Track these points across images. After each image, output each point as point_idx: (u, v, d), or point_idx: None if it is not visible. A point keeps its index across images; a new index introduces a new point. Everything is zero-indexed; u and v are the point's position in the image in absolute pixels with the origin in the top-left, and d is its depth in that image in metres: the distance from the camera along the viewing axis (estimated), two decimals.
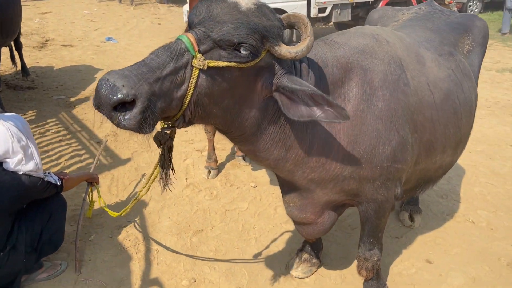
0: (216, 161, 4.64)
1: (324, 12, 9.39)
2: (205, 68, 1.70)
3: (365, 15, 9.85)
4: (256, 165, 4.78)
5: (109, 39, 10.79)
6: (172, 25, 13.25)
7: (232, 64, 1.73)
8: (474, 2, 15.54)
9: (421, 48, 2.63)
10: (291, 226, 3.69)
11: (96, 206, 3.62)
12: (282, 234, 3.64)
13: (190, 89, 1.71)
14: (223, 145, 5.21)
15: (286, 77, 1.88)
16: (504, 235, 3.61)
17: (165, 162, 1.97)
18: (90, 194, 3.58)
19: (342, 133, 2.16)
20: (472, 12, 15.02)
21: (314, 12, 9.32)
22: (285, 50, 1.80)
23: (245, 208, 4.02)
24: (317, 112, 1.85)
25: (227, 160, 4.94)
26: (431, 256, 3.37)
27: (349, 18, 9.76)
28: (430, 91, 2.48)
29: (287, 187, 2.50)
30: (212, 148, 4.60)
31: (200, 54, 1.70)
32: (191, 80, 1.71)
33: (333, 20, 9.65)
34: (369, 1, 9.88)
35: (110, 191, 4.25)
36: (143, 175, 4.52)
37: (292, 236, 3.60)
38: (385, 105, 2.19)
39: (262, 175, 4.60)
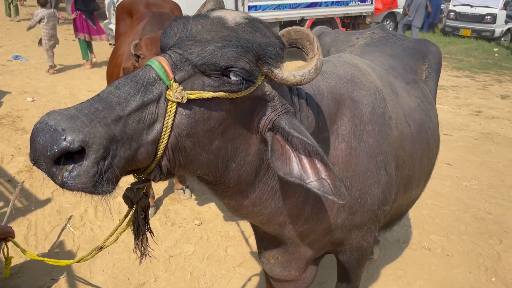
0: (153, 197, 4.15)
1: None
2: (184, 101, 1.28)
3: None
4: (199, 199, 4.35)
5: (16, 57, 9.71)
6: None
7: (221, 94, 1.32)
8: (387, 22, 16.49)
9: (390, 77, 2.44)
10: (245, 270, 3.32)
11: (15, 262, 2.97)
12: (237, 280, 3.26)
13: (166, 130, 1.29)
14: None
15: (286, 116, 1.48)
16: (460, 261, 3.55)
17: (140, 226, 1.56)
18: (5, 250, 2.92)
19: None
20: None
21: None
22: (288, 74, 1.41)
23: (191, 251, 3.58)
24: (310, 177, 1.46)
25: (165, 195, 4.46)
26: None
27: None
28: (407, 123, 2.28)
29: (268, 241, 2.13)
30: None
31: (176, 84, 1.29)
32: (166, 117, 1.28)
33: None
34: (296, 20, 9.94)
35: (27, 241, 3.58)
36: (68, 219, 3.89)
37: (249, 282, 3.23)
38: (375, 141, 1.93)
39: (206, 210, 4.19)
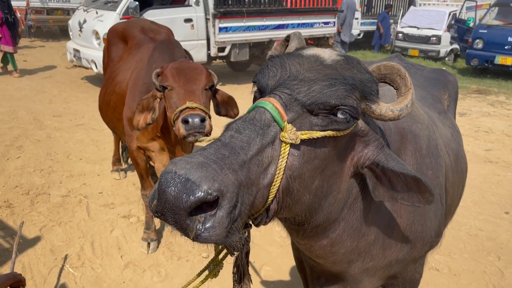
0: (155, 230, 3.95)
1: (223, 51, 9.26)
2: (298, 141, 1.25)
3: (261, 54, 10.01)
4: None
5: None
6: (41, 62, 11.77)
7: (329, 133, 1.30)
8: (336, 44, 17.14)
9: (425, 108, 2.49)
10: None
11: None
12: None
13: (279, 173, 1.24)
14: None
15: (383, 151, 1.48)
16: (468, 280, 3.66)
17: (244, 272, 1.53)
18: None
19: (403, 211, 1.85)
20: (340, 51, 16.48)
21: (214, 51, 9.16)
22: (386, 109, 1.39)
23: (206, 286, 3.42)
24: (400, 194, 1.49)
25: (163, 226, 4.26)
26: None
27: (247, 57, 9.81)
28: (447, 153, 2.34)
29: (326, 279, 2.07)
30: (151, 216, 3.90)
31: (290, 125, 1.25)
32: (280, 160, 1.24)
33: (232, 59, 9.58)
34: (264, 41, 10.06)
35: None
36: (65, 259, 3.59)
37: None
38: (433, 174, 1.96)
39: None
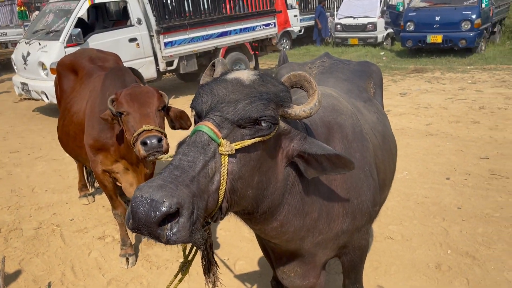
0: (131, 245, 4.17)
1: (172, 65, 9.48)
2: (233, 152, 1.59)
3: (208, 63, 10.30)
4: None
5: None
6: None
7: (257, 139, 1.65)
8: (284, 41, 17.68)
9: (352, 99, 2.89)
10: None
11: None
12: None
13: (223, 179, 1.58)
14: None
15: (306, 141, 1.85)
16: (418, 242, 4.12)
17: (211, 261, 1.82)
18: None
19: (339, 189, 2.22)
20: (284, 49, 17.02)
21: (162, 66, 9.35)
22: (299, 110, 1.76)
23: None
24: (328, 168, 1.88)
25: (138, 241, 4.49)
26: (378, 280, 3.65)
27: (196, 68, 10.06)
28: (374, 135, 2.73)
29: (287, 258, 2.41)
30: (125, 233, 4.13)
31: (224, 140, 1.59)
32: (222, 168, 1.58)
33: (181, 71, 9.81)
34: (210, 50, 10.35)
35: None
36: (48, 286, 3.77)
37: None
38: (361, 155, 2.34)
39: (185, 246, 4.31)
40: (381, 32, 16.91)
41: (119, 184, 3.97)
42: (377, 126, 2.86)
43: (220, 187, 1.57)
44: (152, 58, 9.43)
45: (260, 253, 4.06)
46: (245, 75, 1.76)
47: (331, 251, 2.42)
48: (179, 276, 2.00)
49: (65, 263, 4.14)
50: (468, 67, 12.45)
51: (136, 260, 4.12)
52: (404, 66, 13.19)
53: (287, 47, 17.76)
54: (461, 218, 4.46)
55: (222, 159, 1.58)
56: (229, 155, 1.59)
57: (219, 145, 1.58)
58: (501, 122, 7.43)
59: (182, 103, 9.24)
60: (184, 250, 1.90)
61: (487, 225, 4.28)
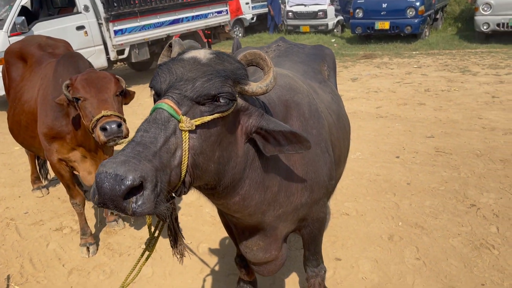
0: (91, 234, 4.13)
1: (123, 53, 9.27)
2: (194, 128, 1.65)
3: (160, 51, 10.14)
4: (134, 224, 4.45)
5: None
6: None
7: (216, 115, 1.71)
8: (237, 28, 17.67)
9: (307, 80, 3.00)
10: (209, 272, 3.62)
11: None
12: (207, 282, 3.54)
13: (185, 154, 1.64)
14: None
15: (264, 118, 1.93)
16: (372, 216, 4.35)
17: (177, 234, 1.89)
18: None
19: (298, 164, 2.32)
20: (237, 37, 17.04)
21: (113, 55, 9.14)
22: (256, 87, 1.83)
23: (150, 273, 3.72)
24: (286, 146, 1.97)
25: (98, 230, 4.44)
26: (336, 253, 3.83)
27: (148, 56, 9.89)
28: (329, 114, 2.87)
29: (249, 232, 2.50)
30: (85, 222, 4.08)
31: (184, 117, 1.65)
32: (183, 144, 1.64)
33: (133, 60, 9.61)
34: (162, 38, 10.20)
35: None
36: (7, 279, 3.67)
37: (217, 281, 3.54)
38: (317, 132, 2.46)
39: (146, 232, 4.32)
40: (331, 20, 17.27)
41: (76, 173, 3.90)
42: (332, 105, 3.00)
43: (182, 162, 1.63)
44: (102, 47, 9.20)
45: (222, 235, 4.16)
46: (202, 54, 1.81)
47: (291, 224, 2.54)
48: (146, 254, 2.04)
49: (22, 255, 4.04)
50: (414, 52, 13.02)
51: (97, 249, 4.09)
52: (354, 53, 13.59)
53: (240, 34, 17.77)
54: (410, 192, 4.74)
55: (183, 135, 1.63)
56: (190, 131, 1.65)
57: (179, 121, 1.63)
58: (445, 103, 7.88)
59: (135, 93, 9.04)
60: (149, 227, 1.94)
61: (434, 198, 4.58)
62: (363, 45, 14.59)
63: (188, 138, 1.64)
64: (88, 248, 4.01)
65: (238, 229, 2.58)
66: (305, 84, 2.77)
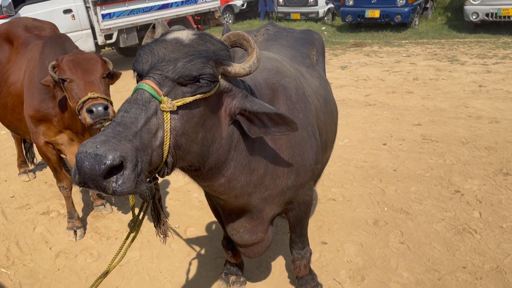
0: (79, 218, 4.12)
1: (111, 38, 9.16)
2: (175, 109, 1.66)
3: None
4: (121, 209, 4.45)
5: None
6: None
7: (198, 96, 1.72)
8: (227, 15, 17.53)
9: (295, 64, 3.01)
10: (196, 256, 3.65)
11: None
12: (193, 267, 3.57)
13: (167, 134, 1.65)
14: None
15: (248, 99, 1.93)
16: (358, 202, 4.41)
17: (160, 214, 1.90)
18: None
19: (284, 147, 2.34)
20: (227, 23, 16.90)
21: (101, 39, 9.03)
22: (239, 68, 1.83)
23: (138, 256, 3.74)
24: (271, 128, 1.98)
25: (86, 214, 4.44)
26: (322, 237, 3.89)
27: (137, 41, 9.79)
28: (317, 98, 2.88)
29: (236, 214, 2.53)
30: (72, 206, 4.07)
31: (165, 97, 1.65)
32: (165, 125, 1.65)
33: (121, 44, 9.51)
34: (151, 23, 10.04)
35: None
36: None
37: (204, 264, 3.58)
38: (304, 115, 2.48)
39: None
40: (322, 7, 17.20)
41: (64, 156, 3.88)
42: (319, 90, 3.01)
43: (164, 143, 1.64)
44: (90, 31, 9.08)
45: (210, 219, 4.18)
46: (184, 34, 1.81)
47: (278, 206, 2.57)
48: (132, 236, 2.05)
49: (9, 239, 4.02)
50: (403, 41, 13.07)
51: (84, 233, 4.09)
52: (345, 41, 13.59)
53: (230, 21, 17.65)
54: (397, 179, 4.81)
55: (165, 116, 1.64)
56: (172, 112, 1.66)
57: (160, 102, 1.63)
58: (432, 91, 7.95)
59: (122, 78, 8.93)
60: (132, 208, 1.94)
61: (419, 184, 4.65)
62: (353, 34, 14.60)
63: (170, 119, 1.65)
64: (75, 231, 4.01)
65: (225, 212, 2.60)
66: (293, 68, 2.77)
